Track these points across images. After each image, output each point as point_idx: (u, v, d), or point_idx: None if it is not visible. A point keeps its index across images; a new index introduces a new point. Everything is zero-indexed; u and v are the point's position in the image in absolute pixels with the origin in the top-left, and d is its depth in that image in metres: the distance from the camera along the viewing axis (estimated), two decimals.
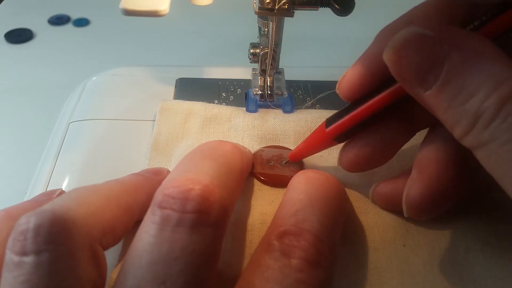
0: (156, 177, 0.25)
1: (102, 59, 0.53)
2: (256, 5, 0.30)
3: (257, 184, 0.29)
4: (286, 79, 0.36)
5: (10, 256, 0.18)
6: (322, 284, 0.21)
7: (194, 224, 0.20)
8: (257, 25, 0.33)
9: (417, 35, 0.20)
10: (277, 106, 0.35)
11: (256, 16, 0.32)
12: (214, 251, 0.21)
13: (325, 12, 0.30)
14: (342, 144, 0.28)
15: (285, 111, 0.34)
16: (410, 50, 0.20)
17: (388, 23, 0.25)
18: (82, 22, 0.60)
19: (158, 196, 0.21)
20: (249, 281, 0.21)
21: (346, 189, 0.28)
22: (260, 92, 0.35)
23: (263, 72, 0.34)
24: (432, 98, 0.20)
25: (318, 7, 0.30)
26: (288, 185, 0.27)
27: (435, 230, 0.27)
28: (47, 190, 0.29)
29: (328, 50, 0.55)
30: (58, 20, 0.60)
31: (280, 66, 0.35)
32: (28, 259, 0.18)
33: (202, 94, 0.37)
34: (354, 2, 0.29)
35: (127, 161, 0.32)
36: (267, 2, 0.29)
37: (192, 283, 0.19)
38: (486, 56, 0.19)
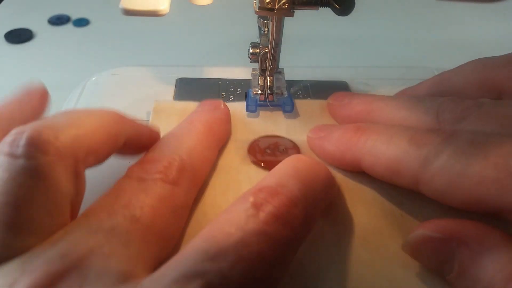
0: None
1: (102, 59, 0.53)
2: (256, 5, 0.30)
3: (258, 172, 0.29)
4: (286, 79, 0.36)
5: None
6: (287, 244, 0.20)
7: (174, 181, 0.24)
8: (257, 25, 0.34)
9: (425, 237, 0.23)
10: (277, 106, 0.35)
11: (256, 16, 0.32)
12: (185, 202, 0.25)
13: (325, 12, 0.30)
14: None
15: (285, 111, 0.34)
16: (423, 250, 0.23)
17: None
18: (82, 22, 0.60)
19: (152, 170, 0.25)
20: (213, 223, 0.21)
21: (341, 178, 0.29)
22: (260, 92, 0.35)
23: (263, 72, 0.34)
24: (452, 281, 0.22)
25: (318, 7, 0.30)
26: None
27: None
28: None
29: (328, 50, 0.55)
30: (58, 20, 0.60)
31: (280, 66, 0.35)
32: (18, 162, 0.20)
33: (202, 94, 0.37)
34: (354, 2, 0.29)
35: (127, 160, 0.32)
36: (267, 2, 0.29)
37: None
38: (492, 245, 0.21)
